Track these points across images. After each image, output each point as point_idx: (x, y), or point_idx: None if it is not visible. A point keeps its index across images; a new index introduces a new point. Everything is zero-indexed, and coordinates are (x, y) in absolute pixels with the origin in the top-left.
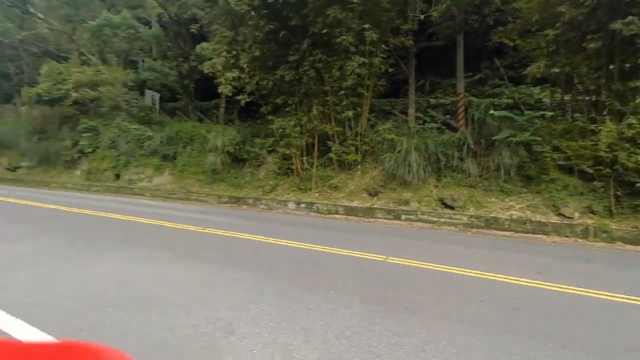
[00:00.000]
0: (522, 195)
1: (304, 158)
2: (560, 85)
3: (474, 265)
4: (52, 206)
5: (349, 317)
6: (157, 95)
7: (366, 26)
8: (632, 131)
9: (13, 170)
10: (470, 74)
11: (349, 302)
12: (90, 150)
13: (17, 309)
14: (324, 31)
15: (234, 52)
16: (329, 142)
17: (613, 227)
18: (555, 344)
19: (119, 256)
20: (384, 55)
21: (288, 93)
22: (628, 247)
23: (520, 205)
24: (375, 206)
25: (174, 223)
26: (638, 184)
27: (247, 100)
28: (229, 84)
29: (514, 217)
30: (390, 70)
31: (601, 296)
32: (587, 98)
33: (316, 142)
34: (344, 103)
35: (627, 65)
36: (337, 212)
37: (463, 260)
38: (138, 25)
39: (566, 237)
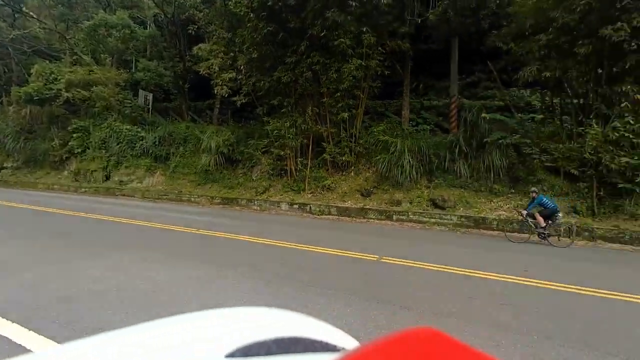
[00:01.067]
0: (510, 195)
1: (298, 159)
2: (550, 88)
3: (466, 264)
4: (32, 207)
5: (346, 316)
6: (150, 96)
7: (364, 29)
8: (616, 134)
9: None
10: (463, 76)
11: (346, 301)
12: (79, 150)
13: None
14: (322, 34)
15: (232, 54)
16: (323, 144)
17: (595, 226)
18: (540, 336)
19: (109, 258)
20: (381, 58)
21: (284, 94)
22: (609, 245)
23: (508, 206)
24: (368, 207)
25: (164, 224)
26: (620, 185)
27: (243, 101)
28: (225, 85)
29: (502, 217)
30: (386, 72)
31: (585, 292)
32: (575, 101)
33: (311, 143)
34: (340, 105)
35: (615, 69)
36: (329, 213)
37: (455, 259)
38: (134, 26)
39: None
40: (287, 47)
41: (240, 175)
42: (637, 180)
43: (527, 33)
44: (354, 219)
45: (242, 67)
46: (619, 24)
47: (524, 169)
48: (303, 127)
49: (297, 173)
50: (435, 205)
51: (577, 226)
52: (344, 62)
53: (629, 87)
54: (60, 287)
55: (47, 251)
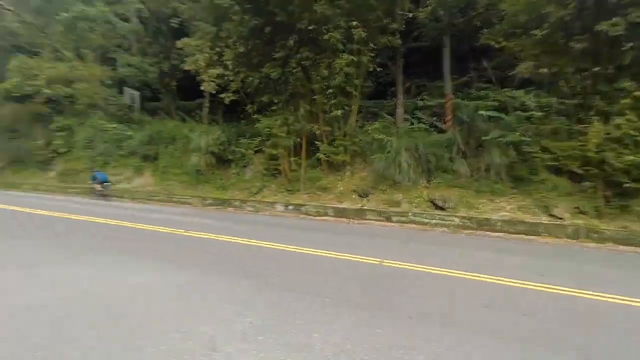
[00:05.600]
0: (513, 196)
1: (292, 159)
2: (545, 86)
3: (475, 269)
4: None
5: (349, 328)
6: (136, 94)
7: (354, 23)
8: (619, 132)
9: None
10: (455, 76)
11: (348, 310)
12: (64, 150)
13: None
14: (311, 27)
15: (218, 49)
16: (317, 143)
17: (603, 227)
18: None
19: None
20: (372, 54)
21: (274, 92)
22: (620, 247)
23: (511, 206)
24: (366, 208)
25: (156, 226)
26: (626, 184)
27: (232, 98)
28: (212, 81)
29: (505, 218)
30: (378, 69)
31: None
32: (573, 100)
33: (304, 142)
34: (332, 102)
35: (612, 66)
36: (326, 214)
37: (461, 262)
38: (116, 21)
39: (558, 237)
40: (275, 42)
41: (233, 175)
42: None
43: (519, 30)
44: (352, 220)
45: (229, 63)
46: (616, 18)
47: (525, 168)
48: (295, 126)
49: (292, 173)
50: (435, 205)
51: (586, 228)
52: (335, 58)
53: (628, 83)
54: (21, 294)
55: (12, 254)
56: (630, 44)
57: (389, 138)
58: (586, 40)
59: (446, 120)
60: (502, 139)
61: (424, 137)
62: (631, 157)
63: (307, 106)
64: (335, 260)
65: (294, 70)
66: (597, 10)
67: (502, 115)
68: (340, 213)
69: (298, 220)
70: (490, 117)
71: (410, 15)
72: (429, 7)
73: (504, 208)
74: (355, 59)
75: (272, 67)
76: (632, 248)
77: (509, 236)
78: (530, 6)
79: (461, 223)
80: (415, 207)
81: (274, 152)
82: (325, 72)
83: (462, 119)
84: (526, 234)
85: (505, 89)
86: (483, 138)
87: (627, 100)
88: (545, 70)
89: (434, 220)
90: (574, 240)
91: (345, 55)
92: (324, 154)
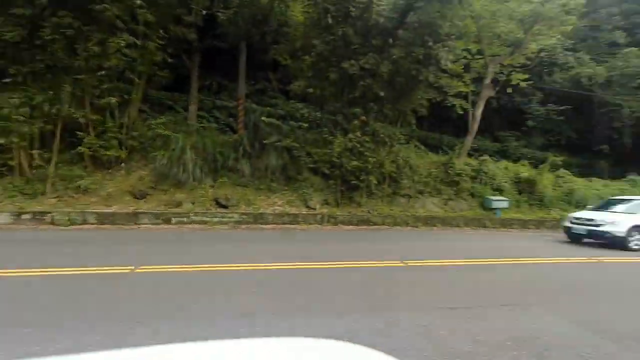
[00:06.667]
0: (285, 192)
1: (35, 151)
2: (314, 103)
3: (242, 260)
4: None
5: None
6: None
7: (138, 2)
8: (350, 144)
9: None
10: (252, 82)
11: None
12: None
13: None
14: None
15: None
16: (79, 133)
17: (338, 213)
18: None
19: None
20: (163, 42)
21: (12, 58)
22: (347, 227)
23: (282, 201)
24: (141, 210)
25: None
26: (353, 182)
27: None
28: None
29: (276, 211)
30: (169, 60)
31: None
32: (331, 116)
33: (58, 130)
34: (106, 86)
35: (352, 96)
36: (85, 222)
37: (231, 257)
38: None
39: (310, 224)
40: None
41: None
42: (361, 178)
43: (300, 52)
44: (121, 226)
45: None
46: (352, 61)
47: (294, 169)
48: (46, 109)
49: (33, 170)
50: (219, 204)
51: (327, 215)
52: (111, 36)
53: (358, 110)
54: None
55: None
56: (361, 82)
57: (176, 135)
58: (338, 73)
59: (239, 121)
60: (279, 143)
61: (214, 136)
62: (356, 162)
63: (68, 86)
64: (73, 277)
65: (51, 37)
66: (345, 52)
67: (279, 124)
68: (107, 219)
69: (37, 233)
70: (272, 124)
71: (204, 12)
72: (231, 11)
73: (277, 203)
74: (139, 43)
75: (8, 24)
76: (351, 226)
77: (277, 227)
78: (305, 35)
79: (240, 219)
80: (199, 207)
81: (3, 141)
82: (97, 49)
83: (251, 123)
84: (290, 224)
85: (292, 101)
86: (264, 141)
87: (356, 122)
88: (312, 90)
89: (215, 219)
90: (321, 225)
91: (125, 35)
92: (88, 147)
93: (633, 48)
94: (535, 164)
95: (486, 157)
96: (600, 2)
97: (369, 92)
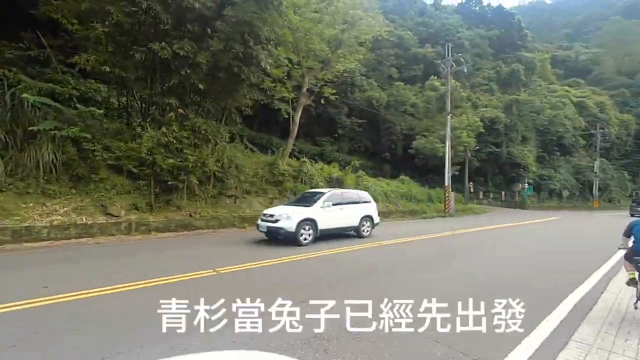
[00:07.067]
0: (70, 196)
1: None
2: (114, 85)
3: None
4: None
5: None
6: None
7: None
8: (165, 139)
9: None
10: (23, 45)
11: None
12: None
13: None
14: None
15: None
16: None
17: (151, 219)
18: None
19: None
20: None
21: None
22: (162, 235)
23: (65, 209)
24: None
25: None
26: (170, 182)
27: None
28: None
29: (55, 223)
30: None
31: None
32: (139, 104)
33: None
34: None
35: (165, 83)
36: None
37: None
38: None
39: (112, 235)
40: None
41: None
42: (180, 178)
43: (87, 18)
44: None
45: None
46: (163, 43)
47: (85, 166)
48: None
49: None
50: None
51: (135, 222)
52: None
53: (173, 101)
54: None
55: None
56: (180, 71)
57: None
58: (145, 53)
59: None
60: (57, 132)
61: None
62: (172, 160)
63: None
64: None
65: None
66: (155, 32)
67: (59, 105)
68: None
69: None
70: (46, 105)
71: None
72: None
73: (57, 212)
74: None
75: None
76: (168, 233)
77: (56, 243)
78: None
79: None
80: None
81: None
82: None
83: (8, 100)
84: (78, 237)
85: (89, 80)
86: (32, 128)
87: (172, 115)
88: (108, 69)
89: None
90: (126, 235)
91: None
92: None
93: (400, 82)
94: (344, 165)
95: (306, 159)
96: (383, 43)
97: (187, 82)
